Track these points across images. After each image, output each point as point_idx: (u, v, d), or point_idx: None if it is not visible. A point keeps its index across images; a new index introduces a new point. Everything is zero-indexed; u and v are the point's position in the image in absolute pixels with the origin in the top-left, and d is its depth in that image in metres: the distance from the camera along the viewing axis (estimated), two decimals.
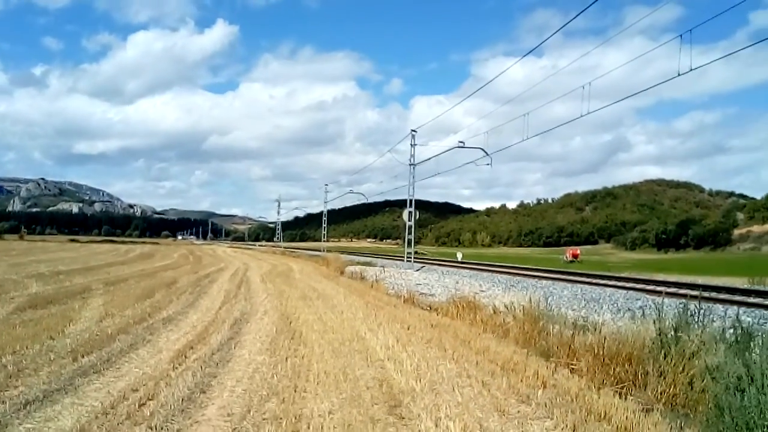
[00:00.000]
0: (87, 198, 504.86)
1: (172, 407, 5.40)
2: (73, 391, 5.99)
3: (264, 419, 5.11)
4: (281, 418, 5.08)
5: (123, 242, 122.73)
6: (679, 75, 14.57)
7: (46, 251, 51.97)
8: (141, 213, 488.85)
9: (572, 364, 7.24)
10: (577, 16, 15.95)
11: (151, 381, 6.39)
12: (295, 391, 6.05)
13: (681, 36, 14.37)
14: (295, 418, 5.12)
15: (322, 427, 4.87)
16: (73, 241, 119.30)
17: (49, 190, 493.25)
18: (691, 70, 14.28)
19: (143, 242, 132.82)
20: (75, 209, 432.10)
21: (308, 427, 4.88)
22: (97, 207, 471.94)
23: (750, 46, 14.67)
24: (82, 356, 7.59)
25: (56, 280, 19.44)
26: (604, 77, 19.25)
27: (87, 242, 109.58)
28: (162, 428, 4.85)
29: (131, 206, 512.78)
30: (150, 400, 5.66)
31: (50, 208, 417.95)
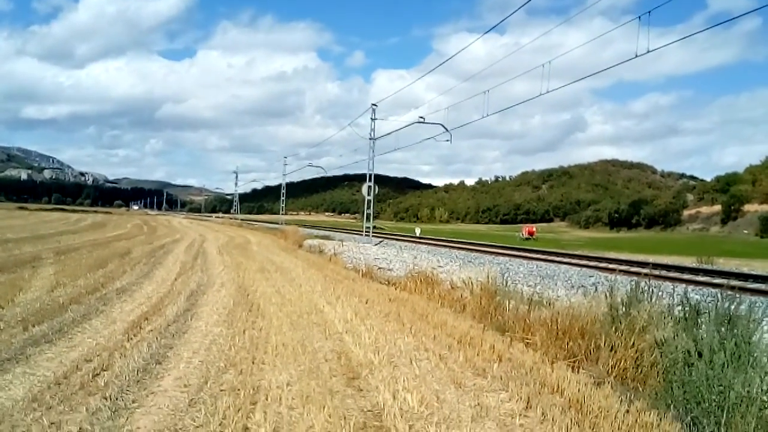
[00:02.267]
0: (36, 164, 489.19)
1: (127, 378, 5.33)
2: (24, 360, 5.86)
3: (221, 390, 5.08)
4: (239, 390, 5.06)
5: (74, 211, 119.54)
6: (636, 56, 14.76)
7: None
8: (93, 181, 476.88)
9: (527, 339, 7.38)
10: None
11: (105, 352, 6.29)
12: (253, 362, 6.03)
13: (639, 18, 14.54)
14: (253, 389, 5.11)
15: (280, 399, 4.87)
16: (21, 208, 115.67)
17: None
18: (648, 51, 14.48)
19: (95, 211, 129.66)
20: (24, 176, 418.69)
21: (266, 399, 4.87)
22: (47, 174, 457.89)
23: (706, 29, 14.90)
24: (33, 326, 7.41)
25: (4, 248, 18.89)
26: (564, 56, 19.33)
27: (36, 210, 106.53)
28: (117, 399, 4.77)
29: (83, 174, 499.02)
30: (104, 370, 5.57)
31: None
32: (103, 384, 5.14)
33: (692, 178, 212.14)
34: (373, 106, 34.45)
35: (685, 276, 17.69)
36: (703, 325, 5.59)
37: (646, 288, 7.08)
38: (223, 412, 4.51)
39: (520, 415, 4.75)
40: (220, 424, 4.29)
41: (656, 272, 14.54)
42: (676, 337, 5.56)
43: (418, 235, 52.84)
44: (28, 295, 9.91)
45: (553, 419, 4.62)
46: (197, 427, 4.29)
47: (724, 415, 4.56)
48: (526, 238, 70.60)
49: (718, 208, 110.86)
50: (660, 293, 7.30)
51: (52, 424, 4.23)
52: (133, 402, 4.76)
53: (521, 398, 5.08)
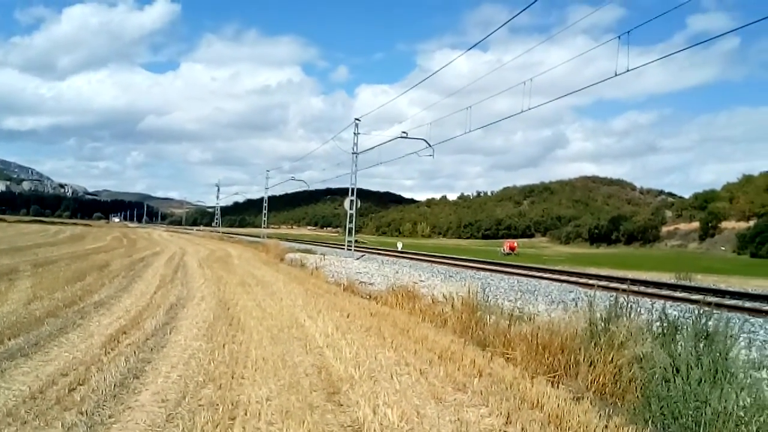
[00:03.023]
0: (15, 176, 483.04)
1: (104, 392, 5.26)
2: None
3: (200, 405, 5.04)
4: (218, 405, 5.01)
5: (53, 223, 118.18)
6: (616, 75, 14.99)
7: None
8: (72, 193, 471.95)
9: (507, 354, 7.40)
10: (521, 11, 16.19)
11: (82, 366, 6.20)
12: (233, 377, 5.98)
13: (619, 37, 14.78)
14: (232, 404, 5.07)
15: (259, 414, 4.84)
16: None
17: None
18: (629, 70, 14.72)
19: (74, 223, 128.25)
20: (2, 187, 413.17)
21: (245, 414, 4.84)
22: (26, 185, 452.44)
23: (686, 48, 15.19)
24: (9, 339, 7.30)
25: None
26: (545, 74, 19.55)
27: (14, 222, 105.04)
28: (93, 413, 4.71)
29: (62, 186, 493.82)
30: (80, 385, 5.50)
31: None
32: (79, 399, 5.07)
33: (671, 195, 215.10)
34: (357, 121, 34.56)
35: (664, 292, 17.87)
36: (681, 341, 5.65)
37: (624, 304, 7.16)
38: (201, 427, 4.47)
39: (500, 430, 4.75)
40: None
41: (635, 288, 14.69)
42: (654, 353, 5.62)
43: (399, 249, 52.90)
44: (4, 308, 9.76)
45: None
46: None
47: (702, 431, 4.61)
48: (508, 254, 70.92)
49: (696, 225, 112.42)
50: (638, 309, 7.37)
51: None
52: (110, 417, 4.70)
53: (501, 413, 5.09)
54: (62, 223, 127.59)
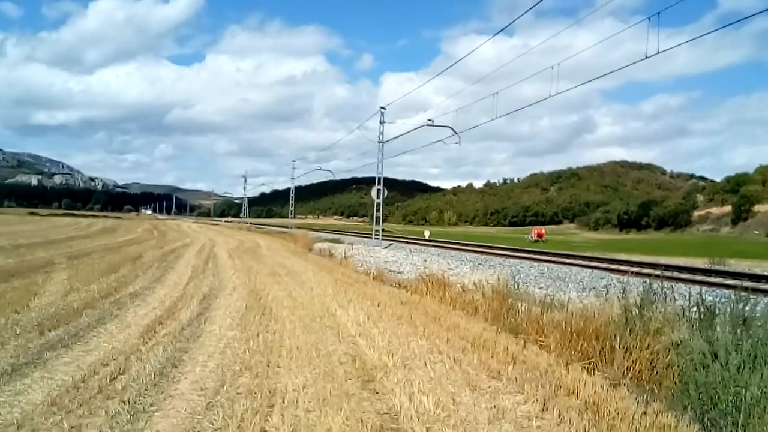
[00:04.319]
0: (47, 170, 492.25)
1: (145, 381, 5.37)
2: (42, 364, 5.91)
3: (238, 393, 5.11)
4: (255, 393, 5.09)
5: (84, 216, 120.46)
6: (646, 57, 14.72)
7: (4, 224, 50.81)
8: (103, 186, 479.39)
9: (541, 341, 7.37)
10: None
11: (122, 355, 6.33)
12: (268, 366, 6.06)
13: (649, 19, 14.50)
14: (270, 392, 5.13)
15: (297, 402, 4.89)
16: (32, 214, 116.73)
17: (8, 162, 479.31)
18: (659, 52, 14.44)
19: (105, 216, 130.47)
20: (34, 181, 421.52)
21: (283, 401, 4.89)
22: (58, 179, 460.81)
23: (716, 30, 14.82)
24: (49, 330, 7.48)
25: (17, 253, 19.05)
26: (573, 58, 19.28)
27: (47, 215, 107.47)
28: (135, 402, 4.81)
29: (92, 179, 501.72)
30: (121, 374, 5.61)
31: (8, 180, 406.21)
32: (120, 387, 5.18)
33: (702, 179, 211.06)
34: (382, 110, 34.50)
35: (698, 277, 17.61)
36: (718, 327, 5.58)
37: (659, 289, 7.08)
38: (240, 415, 4.54)
39: (536, 417, 4.75)
40: (238, 427, 4.31)
41: (668, 273, 14.49)
42: (691, 339, 5.55)
43: (427, 237, 52.88)
44: (42, 300, 9.98)
45: (570, 421, 4.62)
46: (216, 429, 4.32)
47: (741, 416, 4.55)
48: (535, 240, 70.51)
49: (728, 208, 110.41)
50: (673, 295, 7.29)
51: (72, 427, 4.27)
52: (152, 405, 4.79)
53: (537, 400, 5.08)
54: (93, 216, 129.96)
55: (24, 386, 5.20)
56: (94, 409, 4.65)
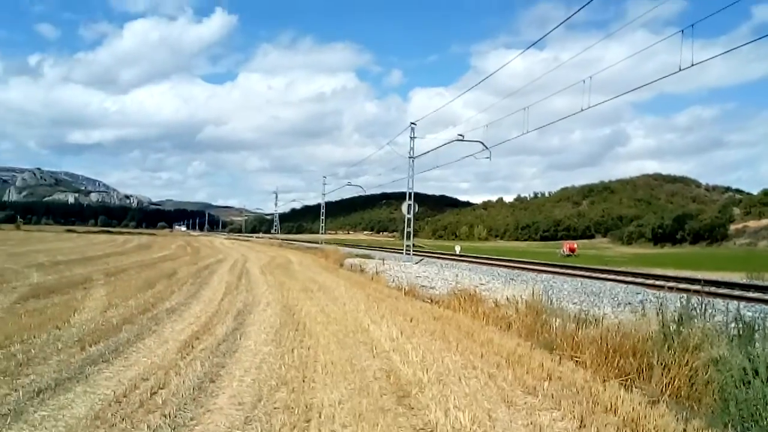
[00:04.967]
0: (83, 188, 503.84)
1: (184, 396, 5.47)
2: (83, 379, 6.05)
3: (275, 408, 5.18)
4: (292, 407, 5.14)
5: (120, 233, 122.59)
6: (680, 70, 14.57)
7: (43, 241, 51.97)
8: (137, 204, 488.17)
9: (576, 357, 7.31)
10: (579, 10, 15.91)
11: (161, 370, 6.45)
12: (304, 381, 6.12)
13: (683, 31, 14.36)
14: (306, 407, 5.19)
15: (333, 417, 4.94)
16: (70, 231, 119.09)
17: (45, 180, 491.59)
18: (693, 65, 14.28)
19: (140, 233, 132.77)
20: (71, 199, 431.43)
21: (320, 416, 4.94)
22: (94, 197, 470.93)
23: (751, 42, 14.59)
24: (90, 345, 7.65)
25: (56, 270, 19.48)
26: (604, 71, 19.15)
27: (84, 232, 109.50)
28: (175, 416, 4.90)
29: (128, 197, 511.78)
30: (161, 389, 5.72)
31: (46, 198, 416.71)
32: (161, 402, 5.28)
33: (738, 191, 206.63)
34: (412, 125, 34.59)
35: (736, 292, 17.25)
36: (758, 342, 5.50)
37: (697, 305, 6.98)
38: (278, 429, 4.60)
39: None
40: None
41: (706, 289, 14.24)
42: (730, 355, 5.47)
43: (458, 252, 52.67)
44: (82, 315, 10.21)
45: None
46: None
47: None
48: (567, 255, 69.69)
49: (766, 221, 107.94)
50: (711, 310, 7.18)
51: None
52: (191, 419, 4.88)
53: (575, 417, 5.05)
54: (129, 232, 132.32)
55: (67, 400, 5.33)
56: (136, 423, 4.75)
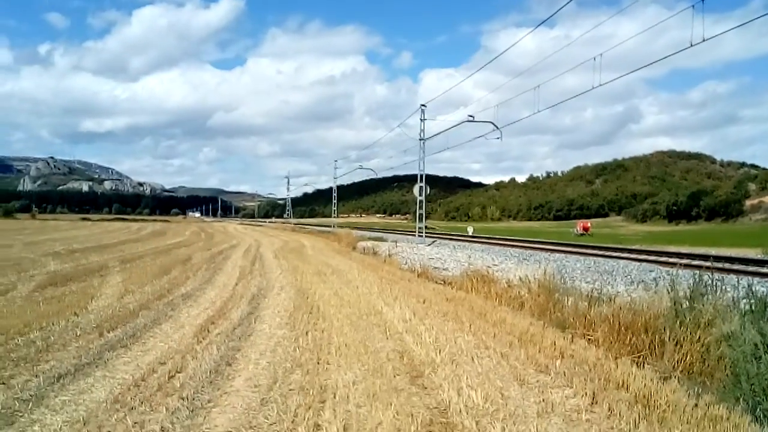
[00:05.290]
0: (97, 176, 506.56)
1: (201, 379, 5.57)
2: (102, 364, 6.17)
3: (290, 390, 5.26)
4: (307, 389, 5.23)
5: (134, 220, 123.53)
6: (692, 45, 14.40)
7: (58, 230, 52.49)
8: (150, 191, 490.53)
9: (588, 335, 7.35)
10: None
11: (178, 354, 6.56)
12: (318, 363, 6.20)
13: (693, 6, 14.17)
14: (321, 388, 5.27)
15: (347, 397, 5.01)
16: (84, 219, 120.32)
17: (59, 169, 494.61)
18: (704, 40, 14.10)
19: (154, 220, 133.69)
20: (85, 188, 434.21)
21: (334, 397, 5.02)
22: (107, 185, 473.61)
23: (764, 15, 14.38)
24: (108, 331, 7.78)
25: (72, 258, 19.71)
26: (616, 47, 18.94)
27: (98, 220, 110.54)
28: (193, 399, 5.00)
29: (141, 184, 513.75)
30: (179, 372, 5.82)
31: (60, 187, 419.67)
32: (179, 385, 5.38)
33: (754, 167, 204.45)
34: (423, 107, 34.46)
35: (750, 268, 17.16)
36: None
37: (709, 281, 6.98)
38: (294, 410, 4.68)
39: (586, 410, 4.76)
40: (292, 422, 4.46)
41: (719, 265, 14.18)
42: (743, 331, 5.48)
43: (470, 234, 52.67)
44: (99, 302, 10.36)
45: (620, 414, 4.62)
46: (271, 424, 4.47)
47: None
48: (581, 234, 69.46)
49: None
50: (724, 286, 7.17)
51: (135, 423, 4.47)
52: (209, 402, 4.98)
53: (586, 394, 5.09)
54: (143, 220, 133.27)
55: (87, 385, 5.44)
56: (154, 405, 4.85)
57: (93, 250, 24.18)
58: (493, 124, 30.84)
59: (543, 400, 5.00)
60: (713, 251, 25.64)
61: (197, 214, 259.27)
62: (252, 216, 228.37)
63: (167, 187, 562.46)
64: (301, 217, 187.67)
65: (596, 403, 4.92)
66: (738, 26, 14.84)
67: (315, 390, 5.19)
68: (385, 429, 4.34)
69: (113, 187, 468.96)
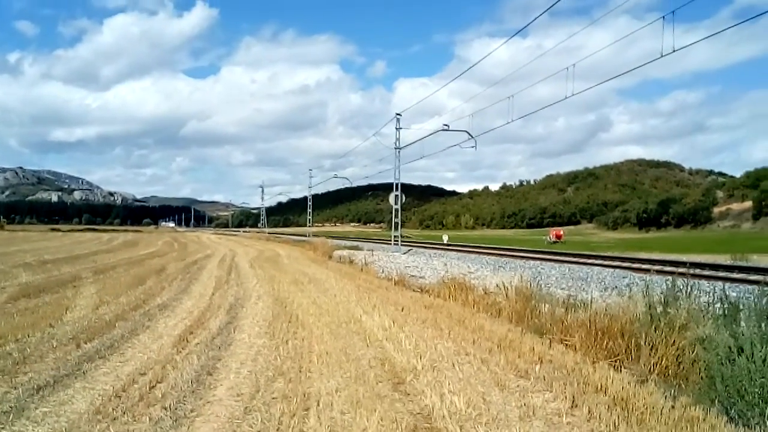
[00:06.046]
0: (66, 186, 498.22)
1: (183, 389, 5.54)
2: (81, 375, 6.10)
3: (274, 398, 5.26)
4: (291, 397, 5.24)
5: (105, 230, 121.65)
6: (662, 56, 14.73)
7: (28, 241, 51.49)
8: (122, 201, 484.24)
9: (566, 340, 7.46)
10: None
11: (158, 365, 6.51)
12: (300, 371, 6.21)
13: (664, 17, 14.51)
14: (304, 396, 5.29)
15: (332, 404, 5.04)
16: (54, 230, 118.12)
17: (28, 179, 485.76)
18: (674, 51, 14.44)
19: (125, 230, 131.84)
20: (54, 198, 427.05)
21: (318, 404, 5.04)
22: (77, 195, 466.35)
23: (734, 26, 14.79)
24: (85, 342, 7.69)
25: (44, 269, 19.38)
26: (588, 57, 19.29)
27: (68, 231, 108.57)
28: (176, 408, 4.98)
29: (111, 194, 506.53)
30: (159, 382, 5.79)
31: (29, 197, 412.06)
32: (160, 395, 5.35)
33: (721, 174, 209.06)
34: (398, 116, 34.65)
35: (721, 273, 17.54)
36: (743, 321, 5.64)
37: (683, 286, 7.14)
38: (278, 418, 4.69)
39: (566, 413, 4.85)
40: (277, 429, 4.47)
41: (691, 271, 14.47)
42: (716, 334, 5.62)
43: (445, 242, 52.89)
44: (74, 313, 10.23)
45: (599, 417, 4.71)
46: None
47: None
48: (554, 242, 70.09)
49: (748, 204, 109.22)
50: (696, 291, 7.34)
51: None
52: (192, 411, 4.96)
53: (566, 398, 5.19)
54: (114, 230, 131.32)
55: (68, 396, 5.39)
56: (137, 416, 4.82)
57: (65, 261, 23.80)
58: (467, 133, 31.12)
59: (524, 405, 5.08)
60: (684, 257, 26.12)
61: (171, 224, 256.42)
62: (226, 226, 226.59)
63: (139, 197, 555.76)
64: (276, 227, 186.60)
65: (576, 406, 5.01)
66: (707, 37, 15.22)
67: (298, 398, 5.20)
68: None
69: (83, 198, 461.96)
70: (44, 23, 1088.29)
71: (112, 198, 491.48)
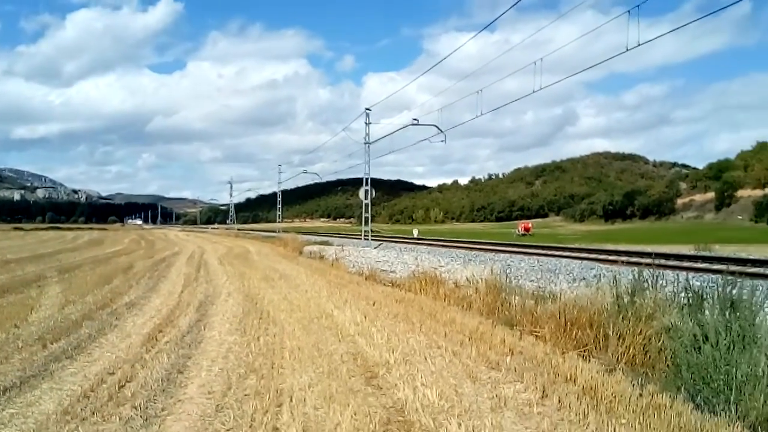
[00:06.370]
0: (29, 184, 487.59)
1: (153, 388, 5.48)
2: (49, 376, 6.00)
3: (246, 395, 5.24)
4: (263, 393, 5.21)
5: (69, 229, 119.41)
6: (627, 50, 14.94)
7: None
8: (86, 199, 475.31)
9: (536, 332, 7.55)
10: None
11: (126, 364, 6.42)
12: (272, 367, 6.18)
13: (629, 12, 14.71)
14: (277, 392, 5.26)
15: (304, 400, 5.03)
16: (17, 229, 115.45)
17: None
18: (639, 45, 14.66)
19: (90, 228, 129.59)
20: (17, 196, 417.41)
21: (291, 400, 5.03)
22: (40, 193, 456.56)
23: (697, 20, 15.06)
24: (51, 343, 7.55)
25: (7, 269, 18.97)
26: (555, 52, 19.45)
27: (32, 230, 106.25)
28: (146, 407, 4.92)
29: (76, 192, 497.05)
30: (128, 382, 5.71)
31: None
32: (130, 395, 5.28)
33: (684, 166, 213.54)
34: (367, 111, 34.61)
35: (685, 264, 17.90)
36: (707, 310, 5.77)
37: (649, 277, 7.27)
38: (251, 414, 4.67)
39: (537, 403, 4.92)
40: (250, 426, 4.45)
41: (656, 261, 14.75)
42: (681, 323, 5.74)
43: (416, 236, 53.04)
44: (40, 313, 10.03)
45: (569, 406, 4.79)
46: (228, 430, 4.45)
47: (733, 393, 4.75)
48: (522, 234, 70.81)
49: (711, 195, 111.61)
50: (662, 281, 7.48)
51: None
52: (163, 410, 4.91)
53: (537, 388, 5.25)
54: (78, 228, 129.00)
55: (34, 397, 5.29)
56: (107, 416, 4.76)
57: (28, 260, 23.32)
58: (437, 127, 31.26)
59: (496, 396, 5.13)
60: (649, 248, 26.62)
61: (138, 221, 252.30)
62: (194, 222, 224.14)
63: (104, 194, 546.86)
64: (245, 223, 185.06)
65: (546, 396, 5.08)
66: (671, 31, 15.45)
67: (271, 394, 5.18)
68: (345, 429, 4.37)
69: (47, 196, 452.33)
70: (6, 19, 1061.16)
71: (76, 196, 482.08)
